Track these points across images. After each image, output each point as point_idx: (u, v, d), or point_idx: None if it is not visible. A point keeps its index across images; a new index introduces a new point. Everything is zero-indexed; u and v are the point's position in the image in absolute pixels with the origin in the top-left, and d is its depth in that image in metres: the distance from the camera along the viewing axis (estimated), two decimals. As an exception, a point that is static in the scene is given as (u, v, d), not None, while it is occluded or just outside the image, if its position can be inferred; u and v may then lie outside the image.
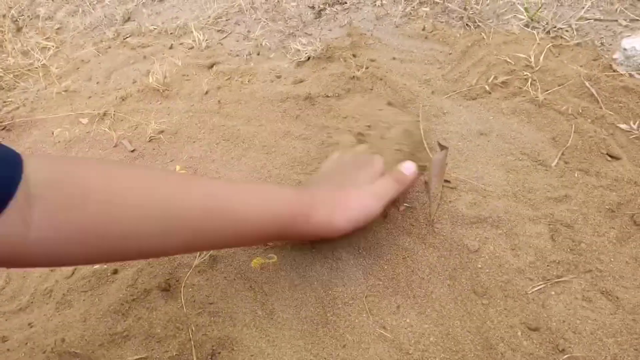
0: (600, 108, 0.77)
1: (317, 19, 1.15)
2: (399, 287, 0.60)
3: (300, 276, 0.63)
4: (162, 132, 0.91)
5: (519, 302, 0.56)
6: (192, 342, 0.58)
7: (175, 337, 0.60)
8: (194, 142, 0.87)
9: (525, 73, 0.85)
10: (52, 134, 1.00)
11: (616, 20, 0.94)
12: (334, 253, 0.64)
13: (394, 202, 0.67)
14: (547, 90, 0.81)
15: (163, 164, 0.85)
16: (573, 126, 0.75)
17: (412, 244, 0.64)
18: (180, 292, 0.64)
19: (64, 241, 0.43)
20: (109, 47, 1.25)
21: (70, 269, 0.73)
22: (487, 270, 0.59)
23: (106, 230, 0.45)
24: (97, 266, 0.71)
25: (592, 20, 0.95)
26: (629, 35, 0.85)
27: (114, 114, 1.00)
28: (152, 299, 0.64)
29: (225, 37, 1.17)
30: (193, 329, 0.60)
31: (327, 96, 0.90)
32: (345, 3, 1.17)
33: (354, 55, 1.00)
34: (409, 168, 0.63)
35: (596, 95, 0.78)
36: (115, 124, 0.97)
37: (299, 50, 1.04)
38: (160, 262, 0.68)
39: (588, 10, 0.97)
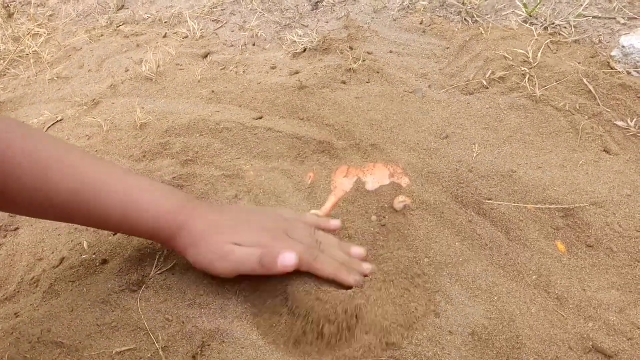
0: (598, 105, 0.76)
1: (314, 11, 1.14)
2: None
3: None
4: (151, 120, 0.90)
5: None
6: (181, 334, 0.57)
7: (164, 328, 0.58)
8: (185, 130, 0.86)
9: (522, 68, 0.84)
10: (36, 119, 0.98)
11: (614, 18, 0.93)
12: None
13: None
14: (545, 86, 0.80)
15: (153, 153, 0.83)
16: (570, 122, 0.74)
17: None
18: (170, 283, 0.63)
19: None
20: (102, 35, 1.23)
21: (57, 258, 0.71)
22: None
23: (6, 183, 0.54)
24: (85, 256, 0.70)
25: (590, 18, 0.94)
26: (627, 33, 0.84)
27: (104, 101, 0.98)
28: (141, 290, 0.63)
29: (220, 27, 1.15)
30: (183, 320, 0.58)
31: (323, 87, 0.89)
32: (343, -5, 1.16)
33: (351, 48, 0.99)
34: (285, 258, 0.56)
35: (594, 92, 0.78)
36: (105, 112, 0.95)
37: (295, 41, 1.03)
38: (150, 253, 0.67)
39: (586, 7, 0.96)
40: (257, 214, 0.64)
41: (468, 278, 0.59)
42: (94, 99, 1.00)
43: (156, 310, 0.60)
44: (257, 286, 0.60)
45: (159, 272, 0.64)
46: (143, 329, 0.59)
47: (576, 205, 0.62)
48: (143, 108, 0.93)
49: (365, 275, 0.60)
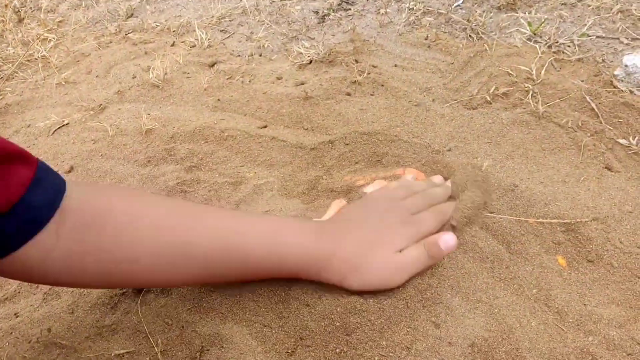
0: (600, 123, 0.77)
1: (321, 24, 1.15)
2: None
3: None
4: (157, 126, 0.90)
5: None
6: (181, 338, 0.57)
7: (163, 332, 0.58)
8: (190, 137, 0.87)
9: (526, 85, 0.85)
10: (43, 122, 0.99)
11: (618, 38, 0.94)
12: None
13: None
14: (548, 103, 0.81)
15: (157, 158, 0.84)
16: (572, 139, 0.75)
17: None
18: (171, 287, 0.63)
19: (81, 256, 0.48)
20: (110, 42, 1.24)
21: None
22: (483, 278, 0.59)
23: (118, 254, 0.49)
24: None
25: (594, 37, 0.95)
26: (630, 53, 0.85)
27: (111, 107, 0.99)
28: (141, 294, 0.63)
29: (228, 37, 1.17)
30: (183, 325, 0.59)
31: (328, 99, 0.90)
32: (350, 9, 1.17)
33: (356, 61, 1.00)
34: (446, 241, 0.57)
35: (596, 109, 0.78)
36: (112, 117, 0.96)
37: (301, 53, 1.04)
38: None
39: (590, 27, 0.97)
40: (378, 210, 0.62)
41: (469, 290, 0.59)
42: (101, 105, 1.01)
43: (156, 314, 0.60)
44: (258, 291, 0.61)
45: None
46: (143, 333, 0.59)
47: (578, 220, 0.63)
48: (149, 114, 0.94)
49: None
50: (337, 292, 0.60)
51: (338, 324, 0.57)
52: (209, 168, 0.81)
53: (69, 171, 0.86)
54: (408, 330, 0.56)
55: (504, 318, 0.55)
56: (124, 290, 0.64)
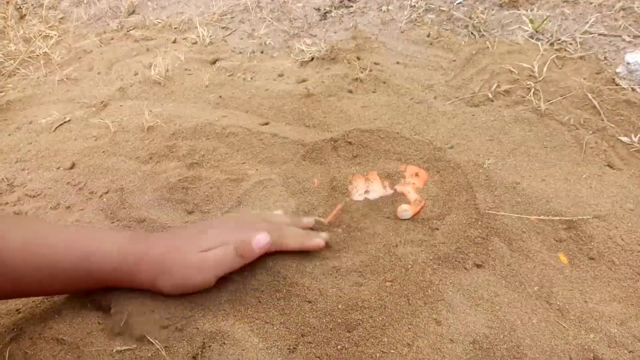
0: (602, 120, 0.77)
1: (323, 21, 1.15)
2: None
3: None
4: (159, 123, 0.90)
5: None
6: (182, 335, 0.57)
7: (165, 328, 0.58)
8: (192, 134, 0.87)
9: (528, 83, 0.85)
10: (44, 119, 0.99)
11: (620, 36, 0.94)
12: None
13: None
14: (550, 101, 0.81)
15: (159, 155, 0.84)
16: (574, 137, 0.75)
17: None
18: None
19: None
20: (112, 39, 1.24)
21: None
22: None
23: None
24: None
25: (596, 35, 0.95)
26: (633, 51, 0.85)
27: (113, 104, 0.99)
28: (143, 290, 0.63)
29: (230, 34, 1.17)
30: (184, 321, 0.59)
31: (330, 96, 0.90)
32: (351, 6, 1.17)
33: (358, 58, 1.00)
34: (259, 241, 0.58)
35: (598, 107, 0.78)
36: (113, 114, 0.96)
37: (303, 50, 1.04)
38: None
39: (592, 24, 0.97)
40: (210, 222, 0.64)
41: (470, 288, 0.59)
42: (103, 101, 1.01)
43: (158, 310, 0.60)
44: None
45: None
46: (145, 329, 0.59)
47: (579, 218, 0.63)
48: (151, 111, 0.94)
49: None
50: (339, 289, 0.60)
51: (340, 320, 0.57)
52: (210, 165, 0.81)
53: (71, 167, 0.86)
54: (409, 327, 0.56)
55: (505, 315, 0.55)
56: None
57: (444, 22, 1.07)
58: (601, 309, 0.54)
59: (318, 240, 0.63)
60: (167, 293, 0.58)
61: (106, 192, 0.80)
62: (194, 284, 0.58)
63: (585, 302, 0.56)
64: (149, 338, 0.57)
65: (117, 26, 1.29)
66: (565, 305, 0.55)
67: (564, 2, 1.05)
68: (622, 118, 0.76)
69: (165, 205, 0.74)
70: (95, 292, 0.64)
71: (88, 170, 0.85)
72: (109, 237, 0.59)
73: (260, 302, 0.60)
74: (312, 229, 0.67)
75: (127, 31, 1.26)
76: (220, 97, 0.95)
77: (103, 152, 0.88)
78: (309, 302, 0.59)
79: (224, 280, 0.63)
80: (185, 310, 0.60)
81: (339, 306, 0.58)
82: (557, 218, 0.63)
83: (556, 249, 0.61)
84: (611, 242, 0.60)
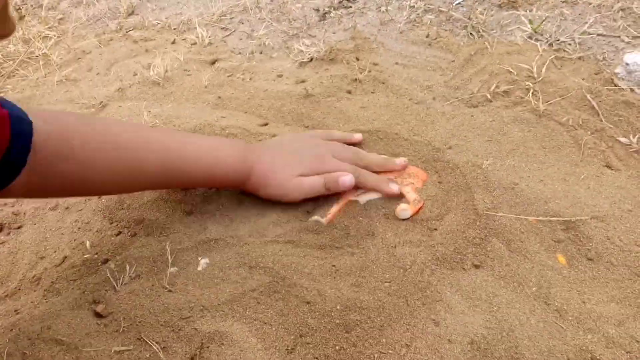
0: (601, 121, 0.77)
1: (322, 22, 1.15)
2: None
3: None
4: (158, 124, 0.90)
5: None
6: (181, 335, 0.57)
7: (163, 329, 0.59)
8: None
9: (527, 83, 0.85)
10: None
11: (619, 37, 0.94)
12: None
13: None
14: (548, 101, 0.81)
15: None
16: (573, 137, 0.75)
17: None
18: (172, 284, 0.63)
19: (50, 180, 0.59)
20: (111, 40, 1.24)
21: (59, 257, 0.72)
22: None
23: (87, 175, 0.61)
24: (87, 255, 0.70)
25: (594, 35, 0.95)
26: (632, 51, 0.85)
27: (112, 104, 0.99)
28: (142, 290, 0.63)
29: (229, 35, 1.17)
30: (183, 322, 0.59)
31: (329, 97, 0.90)
32: (350, 7, 1.17)
33: (357, 59, 1.00)
34: (344, 180, 0.69)
35: (597, 108, 0.78)
36: (112, 114, 0.96)
37: (302, 51, 1.04)
38: (150, 254, 0.67)
39: (591, 25, 0.97)
40: (303, 143, 0.75)
41: (468, 288, 0.59)
42: (102, 102, 1.01)
43: (156, 311, 0.60)
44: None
45: (159, 272, 0.65)
46: (143, 329, 0.59)
47: (577, 218, 0.63)
48: (150, 112, 0.94)
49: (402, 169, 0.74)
50: (337, 289, 0.60)
51: (338, 321, 0.57)
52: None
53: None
54: (408, 327, 0.56)
55: (504, 316, 0.55)
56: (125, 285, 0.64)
57: (443, 23, 1.07)
58: (599, 310, 0.54)
59: (394, 186, 0.71)
60: (266, 197, 0.72)
61: (105, 193, 0.80)
62: (288, 199, 0.71)
63: (584, 302, 0.56)
64: (145, 339, 0.57)
65: (116, 27, 1.29)
66: (563, 306, 0.55)
67: (563, 2, 1.05)
68: (620, 119, 0.76)
69: (163, 206, 0.74)
70: (93, 292, 0.64)
71: (87, 171, 0.85)
72: (229, 149, 0.71)
73: (258, 302, 0.60)
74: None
75: (126, 32, 1.26)
76: (219, 97, 0.95)
77: (102, 152, 0.88)
78: (308, 302, 0.59)
79: (221, 281, 0.63)
80: (183, 311, 0.60)
81: (337, 307, 0.58)
82: (555, 219, 0.63)
83: (554, 249, 0.61)
84: (609, 242, 0.60)
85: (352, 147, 0.77)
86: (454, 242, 0.64)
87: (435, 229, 0.67)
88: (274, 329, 0.58)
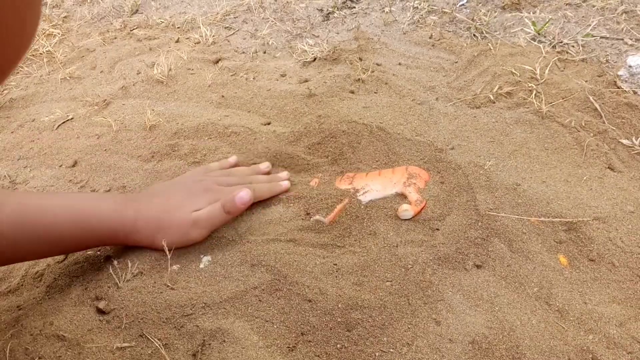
0: (603, 123, 0.77)
1: (325, 22, 1.15)
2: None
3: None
4: (161, 122, 0.91)
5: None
6: (182, 332, 0.58)
7: (165, 326, 0.59)
8: (194, 133, 0.87)
9: (530, 85, 0.85)
10: (47, 117, 0.99)
11: (622, 39, 0.94)
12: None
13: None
14: (551, 103, 0.81)
15: (161, 154, 0.84)
16: (575, 139, 0.75)
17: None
18: (174, 281, 0.63)
19: None
20: (115, 38, 1.25)
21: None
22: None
23: None
24: (90, 252, 0.70)
25: (598, 38, 0.95)
26: (635, 54, 0.85)
27: (115, 102, 0.99)
28: (144, 287, 0.63)
29: (233, 34, 1.17)
30: (185, 319, 0.59)
31: (332, 96, 0.90)
32: (354, 7, 1.17)
33: (360, 59, 1.00)
34: (241, 197, 0.66)
35: (599, 110, 0.78)
36: (116, 112, 0.97)
37: (305, 50, 1.04)
38: (154, 251, 0.68)
39: (594, 27, 0.97)
40: (186, 182, 0.71)
41: (470, 288, 0.59)
42: (105, 100, 1.01)
43: (159, 307, 0.60)
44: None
45: (161, 269, 0.65)
46: (145, 326, 0.59)
47: (579, 219, 0.63)
48: (153, 110, 0.94)
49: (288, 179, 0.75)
50: (339, 288, 0.60)
51: (339, 319, 0.57)
52: (213, 159, 0.81)
53: (73, 165, 0.87)
54: (409, 326, 0.56)
55: (505, 316, 0.55)
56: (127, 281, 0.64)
57: (447, 24, 1.07)
58: (600, 311, 0.55)
59: (284, 183, 0.73)
60: (166, 246, 0.64)
61: (108, 190, 0.80)
62: (190, 239, 0.65)
63: (585, 303, 0.56)
64: (147, 336, 0.58)
65: (121, 25, 1.29)
66: (564, 307, 0.56)
67: (566, 4, 1.05)
68: (623, 121, 0.76)
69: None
70: (95, 289, 0.64)
71: (90, 168, 0.86)
72: (102, 199, 0.65)
73: (260, 300, 0.60)
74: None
75: (130, 30, 1.26)
76: (223, 96, 0.96)
77: (105, 150, 0.88)
78: (309, 301, 0.59)
79: (223, 279, 0.63)
80: (185, 307, 0.60)
81: (339, 305, 0.59)
82: (557, 219, 0.64)
83: (556, 250, 0.62)
84: (611, 244, 0.60)
85: (229, 170, 0.76)
86: (456, 242, 0.64)
87: (437, 229, 0.67)
88: (275, 326, 0.58)
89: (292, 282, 0.61)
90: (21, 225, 0.59)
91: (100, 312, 0.62)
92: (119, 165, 0.84)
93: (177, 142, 0.85)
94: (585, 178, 0.70)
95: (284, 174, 0.76)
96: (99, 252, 0.71)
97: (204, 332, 0.57)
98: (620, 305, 0.55)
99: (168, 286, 0.63)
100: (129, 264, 0.65)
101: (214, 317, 0.59)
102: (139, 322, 0.60)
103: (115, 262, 0.66)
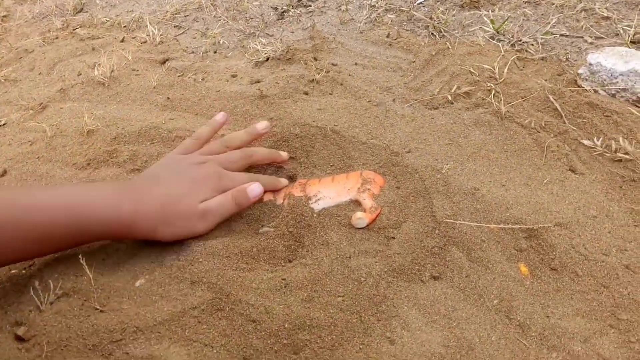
0: (564, 123, 0.74)
1: (280, 20, 1.10)
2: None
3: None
4: (100, 127, 0.84)
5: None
6: (111, 360, 0.52)
7: (92, 352, 0.53)
8: (135, 138, 0.81)
9: (488, 84, 0.82)
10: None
11: (582, 37, 0.92)
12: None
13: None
14: (510, 103, 0.78)
15: (98, 161, 0.78)
16: (535, 140, 0.72)
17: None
18: (105, 303, 0.57)
19: None
20: (56, 38, 1.17)
21: None
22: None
23: None
24: (14, 270, 0.64)
25: (557, 36, 0.93)
26: (595, 52, 0.83)
27: (52, 106, 0.92)
28: (70, 310, 0.57)
29: (182, 33, 1.11)
30: (113, 346, 0.53)
31: (285, 98, 0.85)
32: (310, 6, 1.13)
33: (315, 59, 0.95)
34: (253, 190, 0.63)
35: (560, 109, 0.76)
36: (52, 117, 0.90)
37: (258, 50, 0.99)
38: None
39: (554, 25, 0.95)
40: (187, 167, 0.65)
41: (426, 302, 0.55)
42: (42, 103, 0.94)
43: (84, 332, 0.54)
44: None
45: (89, 289, 0.59)
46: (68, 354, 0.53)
47: (540, 225, 0.59)
48: (92, 114, 0.88)
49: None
50: (286, 306, 0.55)
51: (286, 341, 0.52)
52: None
53: (2, 175, 0.79)
54: (361, 347, 0.51)
55: (463, 332, 0.51)
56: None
57: (404, 23, 1.04)
58: (564, 325, 0.51)
59: (283, 180, 0.70)
60: (169, 240, 0.60)
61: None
62: (197, 232, 0.61)
63: (547, 317, 0.52)
64: (70, 366, 0.52)
65: (62, 24, 1.22)
66: (526, 321, 0.52)
67: (525, 2, 1.03)
68: (584, 120, 0.74)
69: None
70: (16, 312, 0.57)
71: (20, 177, 0.78)
72: (98, 191, 0.59)
73: (199, 322, 0.55)
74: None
75: (73, 30, 1.19)
76: (169, 98, 0.90)
77: (38, 157, 0.81)
78: (253, 321, 0.54)
79: (160, 298, 0.57)
80: (114, 332, 0.54)
81: (286, 325, 0.53)
82: (517, 226, 0.60)
83: (517, 259, 0.58)
84: (574, 251, 0.57)
85: (226, 141, 0.71)
86: (412, 251, 0.60)
87: (393, 238, 0.62)
88: (215, 351, 0.52)
89: (235, 301, 0.56)
90: (7, 224, 0.53)
91: (19, 339, 0.55)
92: (52, 174, 0.77)
93: (116, 147, 0.79)
94: (545, 181, 0.66)
95: (284, 153, 0.73)
96: (24, 271, 0.64)
97: (134, 361, 0.51)
98: (584, 319, 0.51)
99: (97, 308, 0.57)
100: (51, 284, 0.59)
101: (147, 343, 0.53)
102: (62, 350, 0.53)
103: (37, 283, 0.59)
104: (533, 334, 0.51)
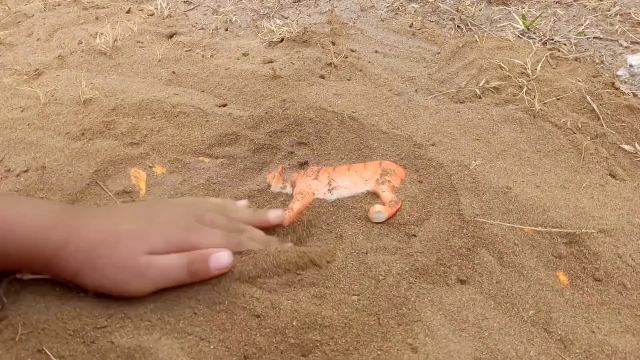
0: (602, 126, 0.69)
1: (297, 3, 1.05)
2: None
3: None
4: (98, 96, 0.78)
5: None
6: (91, 351, 0.45)
7: (68, 343, 0.46)
8: (135, 110, 0.74)
9: (520, 80, 0.76)
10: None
11: (617, 41, 0.87)
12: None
13: None
14: (544, 101, 0.73)
15: (93, 132, 0.71)
16: (571, 141, 0.66)
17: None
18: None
19: None
20: (59, 5, 1.11)
21: None
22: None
23: None
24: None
25: (591, 38, 0.88)
26: (635, 53, 0.77)
27: (48, 73, 0.86)
28: (49, 291, 0.50)
29: (192, 8, 1.05)
30: (97, 334, 0.46)
31: (299, 80, 0.79)
32: (329, -10, 1.07)
33: (333, 43, 0.89)
34: (218, 260, 0.48)
35: (597, 111, 0.70)
36: (47, 83, 0.83)
37: (272, 30, 0.93)
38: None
39: (587, 27, 0.90)
40: (156, 207, 0.53)
41: (453, 307, 0.49)
42: (37, 69, 0.88)
43: (65, 316, 0.48)
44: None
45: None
46: (42, 342, 0.46)
47: (583, 231, 0.53)
48: (91, 83, 0.81)
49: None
50: (295, 301, 0.49)
51: (293, 341, 0.46)
52: (152, 147, 0.68)
53: (-12, 141, 0.73)
54: (379, 352, 0.45)
55: (497, 344, 0.45)
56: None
57: (429, 14, 0.98)
58: (613, 342, 0.45)
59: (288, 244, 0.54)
60: (91, 289, 0.47)
61: (25, 171, 0.67)
62: (126, 290, 0.47)
63: (593, 332, 0.46)
64: (47, 352, 0.45)
65: (66, -9, 1.15)
66: (568, 335, 0.46)
67: (556, 2, 0.98)
68: (623, 124, 0.68)
69: (91, 189, 0.62)
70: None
71: (8, 144, 0.72)
72: (35, 210, 0.47)
73: (195, 313, 0.48)
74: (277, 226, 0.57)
75: (77, -3, 1.13)
76: (174, 72, 0.83)
77: (28, 124, 0.75)
78: (257, 316, 0.48)
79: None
80: (99, 318, 0.47)
81: (294, 323, 0.47)
82: (556, 230, 0.54)
83: (555, 266, 0.52)
84: (620, 261, 0.51)
85: (227, 205, 0.57)
86: (437, 251, 0.54)
87: (414, 235, 0.56)
88: (212, 346, 0.46)
89: (237, 293, 0.50)
90: None
91: None
92: (42, 143, 0.70)
93: (113, 119, 0.73)
94: (584, 185, 0.61)
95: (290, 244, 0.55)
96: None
97: (119, 350, 0.45)
98: (635, 337, 0.46)
99: (81, 291, 0.50)
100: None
101: (135, 332, 0.47)
102: (39, 333, 0.47)
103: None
104: (577, 351, 0.45)
